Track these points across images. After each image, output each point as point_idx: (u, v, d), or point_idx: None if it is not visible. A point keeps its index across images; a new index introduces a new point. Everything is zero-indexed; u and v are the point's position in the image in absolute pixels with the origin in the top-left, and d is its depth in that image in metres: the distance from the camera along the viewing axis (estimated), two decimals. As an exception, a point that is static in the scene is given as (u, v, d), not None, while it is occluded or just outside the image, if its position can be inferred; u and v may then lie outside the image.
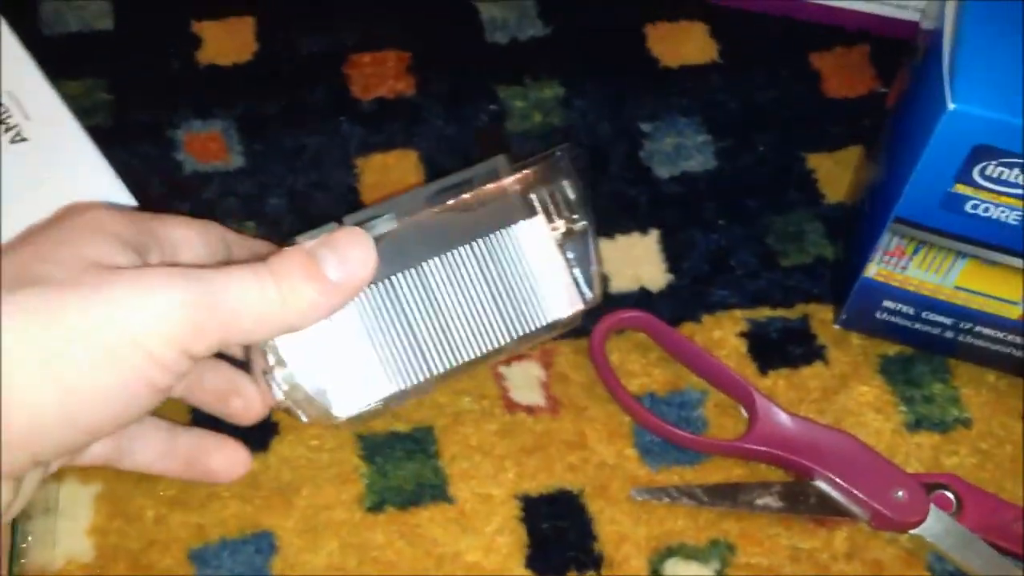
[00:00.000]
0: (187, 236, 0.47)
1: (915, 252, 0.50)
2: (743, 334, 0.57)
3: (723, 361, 0.55)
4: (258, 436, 0.53)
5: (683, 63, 0.67)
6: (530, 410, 0.54)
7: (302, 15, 0.68)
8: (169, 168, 0.62)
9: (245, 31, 0.67)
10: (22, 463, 0.39)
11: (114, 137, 0.62)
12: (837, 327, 0.57)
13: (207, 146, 0.62)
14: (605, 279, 0.58)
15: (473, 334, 0.50)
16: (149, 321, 0.38)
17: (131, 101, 0.64)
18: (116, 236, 0.43)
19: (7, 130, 0.60)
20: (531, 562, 0.51)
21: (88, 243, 0.42)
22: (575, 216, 0.51)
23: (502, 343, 0.50)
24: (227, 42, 0.67)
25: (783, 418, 0.53)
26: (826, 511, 0.52)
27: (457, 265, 0.50)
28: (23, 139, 0.60)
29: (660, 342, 0.56)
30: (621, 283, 0.59)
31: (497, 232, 0.50)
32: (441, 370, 0.50)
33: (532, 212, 0.50)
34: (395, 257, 0.48)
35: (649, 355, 0.56)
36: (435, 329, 0.49)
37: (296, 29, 0.67)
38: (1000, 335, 0.53)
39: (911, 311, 0.54)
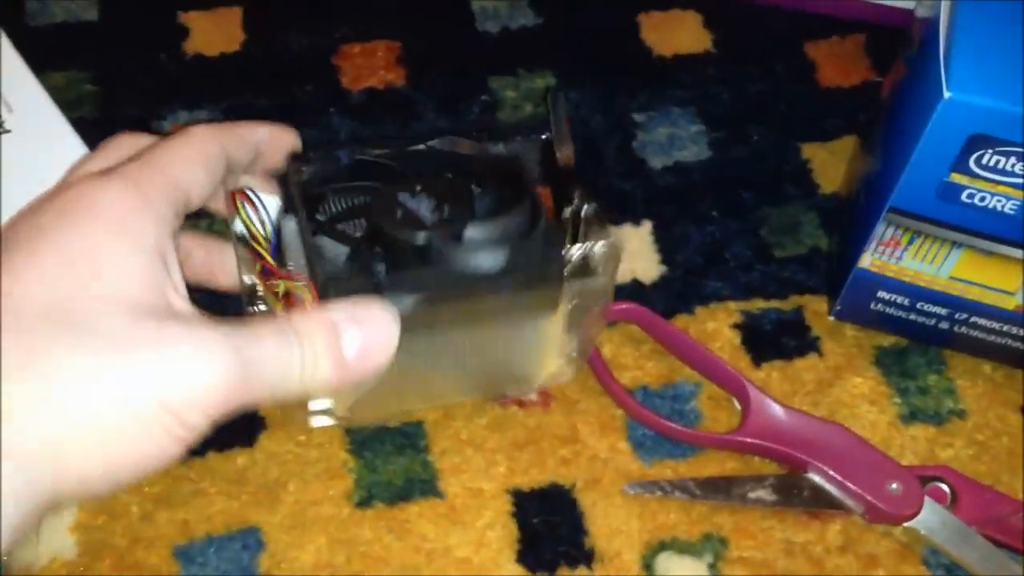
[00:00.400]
0: (196, 180, 0.43)
1: (910, 242, 0.50)
2: (737, 326, 0.57)
3: (716, 353, 0.54)
4: (245, 431, 0.52)
5: (677, 53, 0.67)
6: (521, 404, 0.54)
7: (290, 5, 0.67)
8: (156, 160, 0.61)
9: (233, 21, 0.67)
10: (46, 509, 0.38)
11: (99, 129, 0.60)
12: (831, 319, 0.57)
13: (194, 138, 0.61)
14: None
15: (457, 388, 0.52)
16: (188, 393, 0.36)
17: (117, 93, 0.63)
18: (139, 244, 0.39)
19: (-10, 122, 0.59)
20: (522, 557, 0.50)
21: (118, 269, 0.38)
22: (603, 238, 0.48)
23: (486, 396, 0.53)
24: (214, 33, 0.66)
25: (777, 410, 0.52)
26: (820, 504, 0.51)
27: (469, 340, 0.49)
28: (5, 131, 0.59)
29: (653, 334, 0.56)
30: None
31: (518, 323, 0.49)
32: (412, 408, 0.51)
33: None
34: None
35: (642, 347, 0.56)
36: (421, 379, 0.50)
37: (284, 19, 0.67)
38: (996, 326, 0.53)
39: (906, 302, 0.53)
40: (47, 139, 0.59)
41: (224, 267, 0.48)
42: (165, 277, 0.38)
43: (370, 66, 0.65)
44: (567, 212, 0.48)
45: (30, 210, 0.40)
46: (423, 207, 0.46)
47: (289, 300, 0.45)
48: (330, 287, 0.43)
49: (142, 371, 0.36)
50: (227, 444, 0.52)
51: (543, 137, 0.51)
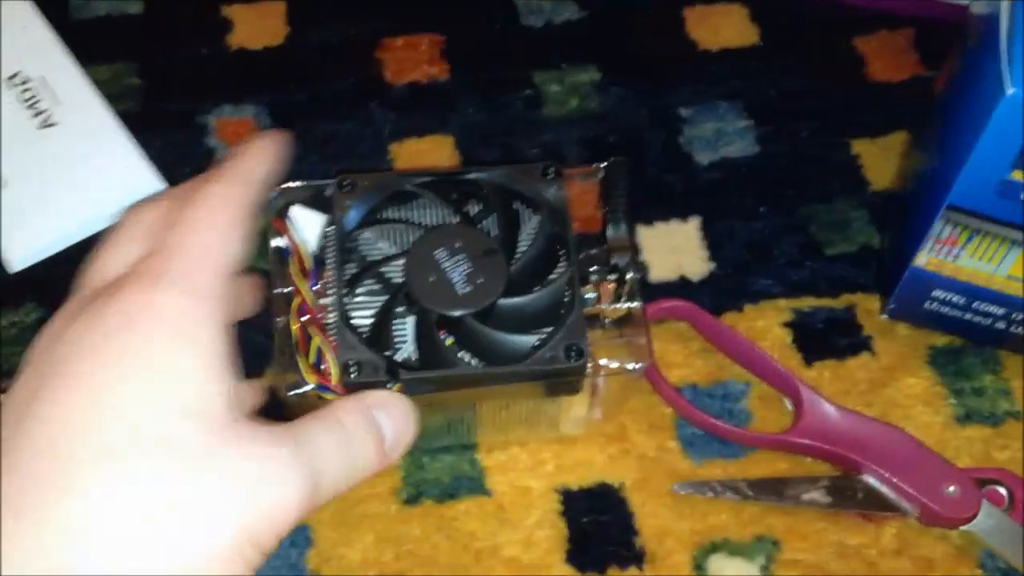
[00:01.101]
0: (235, 253, 0.39)
1: (968, 241, 0.49)
2: (787, 324, 0.56)
3: (767, 352, 0.54)
4: (292, 427, 0.52)
5: (723, 47, 0.66)
6: (569, 402, 0.53)
7: (333, -2, 0.67)
8: (200, 154, 0.61)
9: (276, 15, 0.66)
10: None
11: (144, 122, 0.61)
12: (884, 317, 0.56)
13: (238, 131, 0.61)
14: (644, 268, 0.57)
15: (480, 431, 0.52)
16: (270, 518, 0.34)
17: (161, 86, 0.63)
18: (205, 352, 0.35)
19: (37, 114, 0.59)
20: (571, 557, 0.50)
21: (187, 382, 0.35)
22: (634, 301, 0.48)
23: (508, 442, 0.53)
24: (258, 26, 0.66)
25: (830, 410, 0.51)
26: (874, 507, 0.50)
27: (486, 410, 0.50)
28: (53, 124, 0.59)
29: (702, 331, 0.55)
30: (661, 271, 0.57)
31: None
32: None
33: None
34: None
35: (690, 345, 0.55)
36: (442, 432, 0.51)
37: (327, 13, 0.66)
38: (1054, 326, 0.52)
39: (961, 301, 0.52)
40: (93, 131, 0.59)
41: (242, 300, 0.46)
42: (230, 385, 0.35)
43: (413, 59, 0.65)
44: (611, 276, 0.48)
45: (80, 324, 0.35)
46: (458, 271, 0.46)
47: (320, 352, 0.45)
48: (350, 375, 0.44)
49: (224, 496, 0.33)
50: (273, 440, 0.52)
51: (600, 177, 0.50)
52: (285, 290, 0.47)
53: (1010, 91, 0.43)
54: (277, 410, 0.51)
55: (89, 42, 0.63)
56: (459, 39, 0.66)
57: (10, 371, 0.53)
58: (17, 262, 0.56)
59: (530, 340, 0.46)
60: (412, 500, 0.51)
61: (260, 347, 0.53)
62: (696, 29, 0.66)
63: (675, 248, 0.58)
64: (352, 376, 0.44)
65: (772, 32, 0.66)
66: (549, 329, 0.46)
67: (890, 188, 0.60)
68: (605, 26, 0.67)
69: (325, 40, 0.65)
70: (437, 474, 0.52)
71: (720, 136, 0.62)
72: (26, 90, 0.59)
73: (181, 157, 0.60)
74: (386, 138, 0.61)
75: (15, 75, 0.60)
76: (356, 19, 0.66)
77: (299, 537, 0.50)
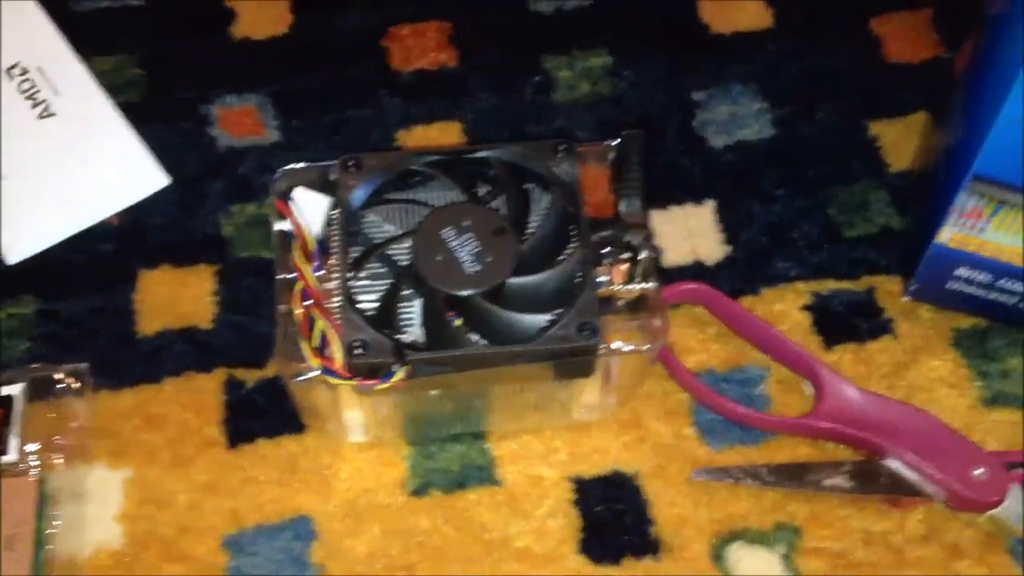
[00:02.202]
0: None
1: (994, 213, 0.47)
2: (806, 307, 0.54)
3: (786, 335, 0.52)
4: (295, 416, 0.50)
5: (736, 30, 0.64)
6: (581, 388, 0.52)
7: (339, -14, 0.66)
8: (203, 143, 0.59)
9: (281, 4, 0.65)
10: None
11: (146, 113, 0.60)
12: (906, 299, 0.54)
13: (242, 121, 0.60)
14: (659, 251, 0.55)
15: (489, 422, 0.51)
16: None
17: (163, 77, 0.62)
18: None
19: (36, 105, 0.58)
20: (585, 547, 0.48)
21: None
22: (648, 282, 0.47)
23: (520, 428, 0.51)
24: (262, 16, 0.64)
25: (852, 393, 0.50)
26: (899, 492, 0.48)
27: (495, 392, 0.48)
28: (51, 114, 0.58)
29: (719, 315, 0.53)
30: (676, 256, 0.56)
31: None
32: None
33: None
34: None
35: (707, 330, 0.53)
36: (449, 416, 0.50)
37: (332, 1, 0.65)
38: (1083, 303, 0.50)
39: (986, 279, 0.50)
40: (93, 122, 0.58)
41: None
42: None
43: (421, 47, 0.63)
44: (624, 255, 0.47)
45: None
46: (466, 250, 0.45)
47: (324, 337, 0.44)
48: (355, 356, 0.43)
49: None
50: (277, 431, 0.51)
51: (613, 158, 0.49)
52: (289, 276, 0.46)
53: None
54: (287, 398, 0.50)
55: (91, 33, 0.62)
56: (467, 26, 0.64)
57: (8, 363, 0.52)
58: (15, 254, 0.55)
59: (541, 320, 0.44)
60: (420, 491, 0.49)
61: (264, 337, 0.53)
62: (708, 12, 0.65)
63: (690, 232, 0.57)
64: (358, 356, 0.43)
65: (787, 15, 0.65)
66: (560, 310, 0.44)
67: (910, 168, 0.58)
68: (616, 11, 0.65)
69: (330, 29, 0.64)
70: (446, 464, 0.50)
71: (735, 119, 0.61)
72: (25, 80, 0.58)
73: (184, 147, 0.59)
74: (393, 124, 0.60)
75: (14, 66, 0.59)
76: (362, 7, 0.65)
77: (303, 530, 0.48)
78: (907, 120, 0.60)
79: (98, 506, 0.49)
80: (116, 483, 0.50)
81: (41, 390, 0.50)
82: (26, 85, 0.58)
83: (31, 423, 0.49)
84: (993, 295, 0.51)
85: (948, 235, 0.49)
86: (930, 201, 0.52)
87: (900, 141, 0.60)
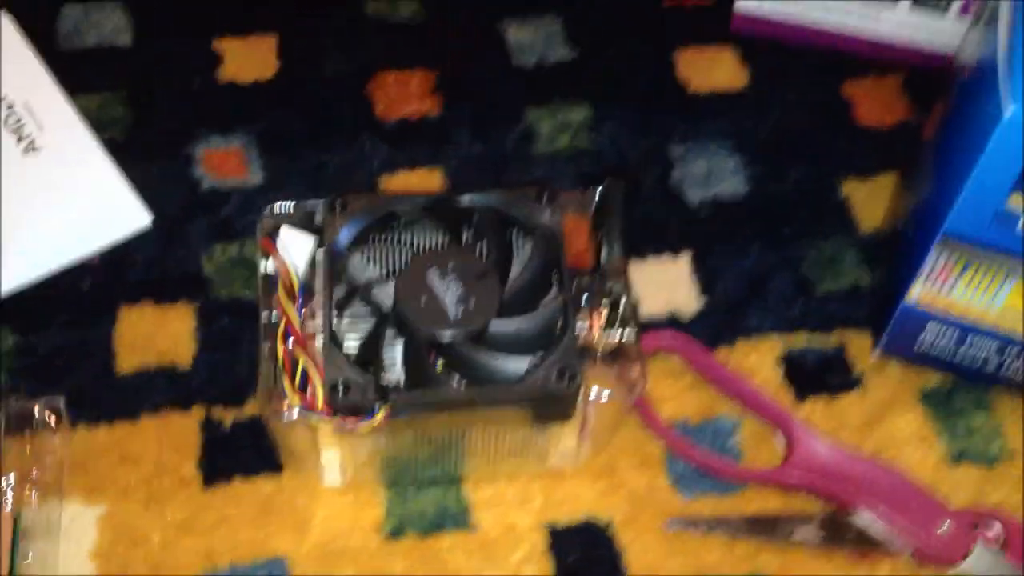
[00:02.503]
0: None
1: (963, 271, 0.48)
2: (779, 360, 0.55)
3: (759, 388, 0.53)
4: (272, 456, 0.51)
5: (713, 89, 0.66)
6: (557, 435, 0.52)
7: (326, 33, 0.66)
8: (187, 183, 0.60)
9: (267, 49, 0.66)
10: None
11: (130, 151, 0.60)
12: (876, 355, 0.55)
13: (225, 162, 0.61)
14: (635, 304, 0.56)
15: (466, 469, 0.51)
16: None
17: (148, 116, 0.63)
18: None
19: (20, 139, 0.58)
20: (558, 594, 0.48)
21: None
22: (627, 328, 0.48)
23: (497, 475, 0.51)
24: (249, 60, 0.65)
25: (822, 447, 0.51)
26: (867, 545, 0.49)
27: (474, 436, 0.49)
28: (36, 149, 0.58)
29: (693, 364, 0.54)
30: (652, 307, 0.57)
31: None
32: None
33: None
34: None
35: (681, 380, 0.54)
36: (425, 460, 0.50)
37: (319, 47, 0.66)
38: (1049, 362, 0.51)
39: (954, 337, 0.52)
40: (77, 158, 0.59)
41: None
42: None
43: (404, 95, 0.64)
44: (604, 301, 0.48)
45: None
46: (450, 292, 0.45)
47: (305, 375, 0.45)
48: (337, 395, 0.43)
49: None
50: (254, 471, 0.51)
51: (593, 207, 0.50)
52: (272, 315, 0.46)
53: (1009, 112, 0.42)
54: (265, 438, 0.50)
55: (78, 71, 0.62)
56: (451, 76, 0.65)
57: (-16, 395, 0.52)
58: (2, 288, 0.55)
59: (522, 363, 0.45)
60: (395, 533, 0.50)
61: (242, 377, 0.53)
62: (686, 71, 0.66)
63: (667, 283, 0.57)
64: (340, 396, 0.43)
65: (762, 76, 0.66)
66: (541, 353, 0.45)
67: (880, 227, 0.60)
68: (597, 67, 0.66)
69: (316, 75, 0.65)
70: (422, 507, 0.50)
71: (711, 175, 0.62)
72: (11, 114, 0.59)
73: (167, 186, 0.59)
74: (376, 169, 0.61)
75: (1, 99, 0.59)
76: (348, 55, 0.66)
77: (277, 571, 0.48)
78: (877, 180, 0.62)
79: (72, 542, 0.49)
80: (90, 519, 0.49)
81: (17, 423, 0.50)
82: (12, 119, 0.58)
83: (6, 456, 0.48)
84: (961, 352, 0.52)
85: (918, 293, 0.50)
86: (899, 260, 0.53)
87: (869, 201, 0.61)
